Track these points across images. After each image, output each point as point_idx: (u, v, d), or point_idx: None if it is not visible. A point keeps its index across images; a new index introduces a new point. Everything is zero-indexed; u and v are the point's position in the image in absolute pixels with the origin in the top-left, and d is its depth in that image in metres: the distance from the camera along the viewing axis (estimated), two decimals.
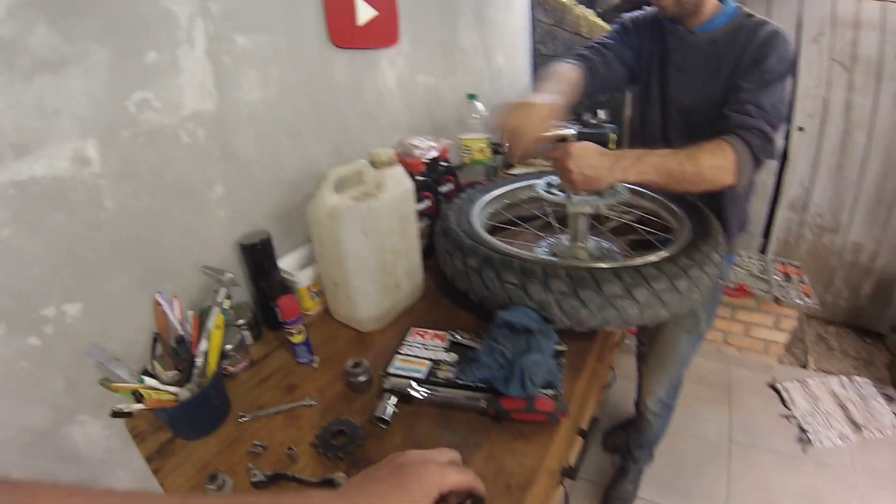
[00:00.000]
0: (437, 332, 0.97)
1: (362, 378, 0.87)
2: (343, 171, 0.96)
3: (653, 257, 0.95)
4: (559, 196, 1.08)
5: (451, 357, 0.90)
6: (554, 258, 1.07)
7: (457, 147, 1.53)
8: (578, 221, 1.14)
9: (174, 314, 0.85)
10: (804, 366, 2.68)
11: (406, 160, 1.19)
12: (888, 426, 2.26)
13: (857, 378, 2.55)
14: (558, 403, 0.78)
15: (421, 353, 0.91)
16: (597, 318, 0.88)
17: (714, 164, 1.01)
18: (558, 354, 0.87)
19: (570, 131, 1.07)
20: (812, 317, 3.05)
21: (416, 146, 1.26)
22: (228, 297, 0.91)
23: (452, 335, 0.96)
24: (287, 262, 1.10)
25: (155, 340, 0.85)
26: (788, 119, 2.77)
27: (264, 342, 1.05)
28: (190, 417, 0.81)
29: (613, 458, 2.10)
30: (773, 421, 2.32)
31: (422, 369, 0.87)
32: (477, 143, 1.51)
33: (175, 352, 0.84)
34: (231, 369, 0.94)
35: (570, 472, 1.01)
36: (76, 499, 0.36)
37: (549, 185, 1.14)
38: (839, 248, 2.91)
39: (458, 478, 0.57)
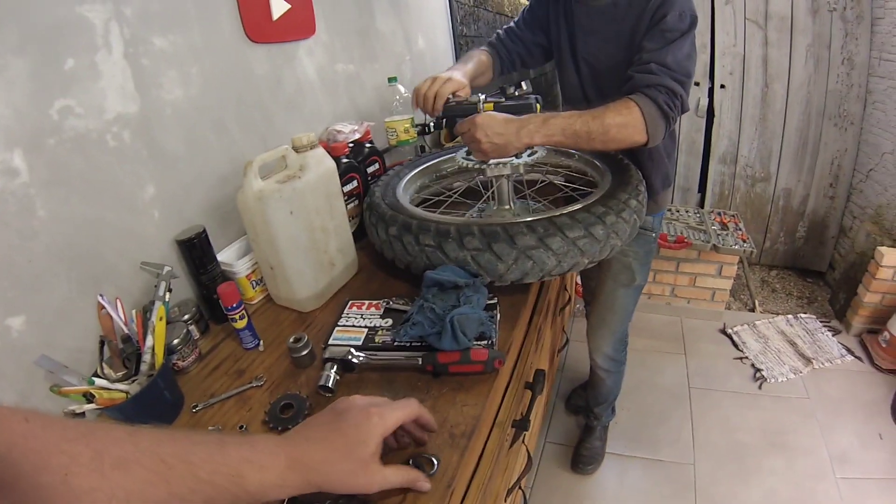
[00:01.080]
0: (373, 301, 1.00)
1: (304, 352, 0.88)
2: (267, 157, 0.97)
3: (569, 209, 0.99)
4: (476, 162, 1.12)
5: (387, 322, 0.93)
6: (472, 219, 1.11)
7: (383, 131, 1.56)
8: (500, 185, 1.18)
9: (118, 315, 0.85)
10: (752, 309, 2.81)
11: (331, 145, 1.21)
12: (836, 356, 2.40)
13: (803, 315, 2.71)
14: (493, 352, 0.80)
15: (358, 323, 0.94)
16: (514, 270, 0.92)
17: (620, 122, 1.04)
18: (490, 307, 0.91)
19: (480, 97, 1.13)
20: (755, 263, 3.20)
21: (339, 131, 1.28)
22: (169, 289, 0.92)
23: (387, 302, 0.98)
24: (226, 255, 1.10)
25: (102, 344, 0.85)
26: (711, 77, 2.89)
27: (212, 335, 1.05)
28: (142, 412, 0.81)
29: (578, 418, 2.15)
30: (727, 364, 2.43)
31: (359, 337, 0.90)
32: (401, 124, 1.53)
33: (123, 351, 0.84)
34: (181, 364, 0.94)
35: (521, 424, 1.05)
36: (33, 424, 0.39)
37: (468, 153, 1.18)
38: (771, 196, 3.05)
39: (399, 414, 0.59)
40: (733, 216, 2.70)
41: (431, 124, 1.72)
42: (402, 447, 0.68)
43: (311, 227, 1.00)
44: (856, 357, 2.40)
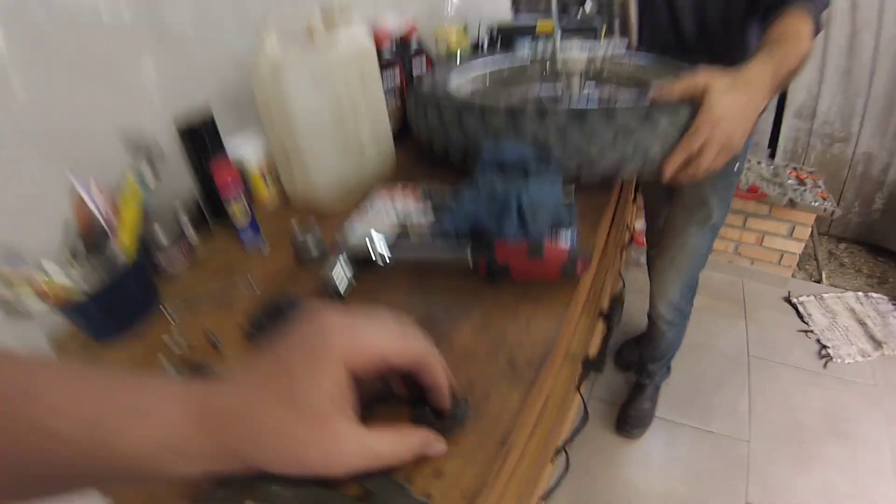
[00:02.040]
0: (409, 185, 0.81)
1: (311, 245, 0.71)
2: (288, 25, 0.79)
3: None
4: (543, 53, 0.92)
5: (426, 211, 0.74)
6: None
7: (431, 40, 1.37)
8: (572, 82, 0.99)
9: (94, 200, 0.70)
10: (818, 281, 2.56)
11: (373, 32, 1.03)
12: None
13: (874, 294, 2.45)
14: (574, 249, 0.58)
15: (387, 215, 0.75)
16: (609, 156, 0.72)
17: (808, 46, 0.85)
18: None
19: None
20: (823, 233, 2.92)
21: (381, 21, 1.10)
22: (155, 172, 0.76)
23: (428, 190, 0.79)
24: (236, 145, 0.94)
25: (70, 235, 0.70)
26: None
27: (213, 241, 0.90)
28: (106, 315, 0.66)
29: (628, 375, 1.98)
30: (790, 335, 2.21)
31: (387, 232, 0.71)
32: (453, 33, 1.35)
33: (93, 243, 0.69)
34: (165, 265, 0.78)
35: (595, 364, 0.86)
36: None
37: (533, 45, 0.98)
38: (849, 159, 2.75)
39: (387, 338, 0.36)
40: (811, 172, 2.43)
41: (486, 42, 1.53)
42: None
43: (338, 102, 0.82)
44: None
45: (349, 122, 0.84)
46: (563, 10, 1.69)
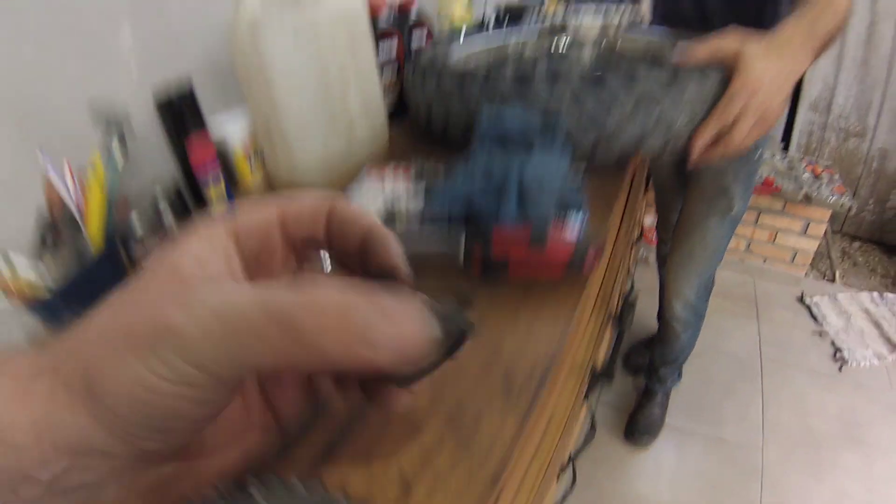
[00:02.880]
0: (401, 165, 0.71)
1: None
2: None
3: None
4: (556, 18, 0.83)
5: (417, 194, 0.64)
6: None
7: (435, 14, 1.27)
8: (583, 55, 0.89)
9: (66, 184, 0.61)
10: (831, 280, 2.47)
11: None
12: None
13: (889, 295, 2.35)
14: (582, 240, 0.48)
15: (374, 200, 0.65)
16: (630, 126, 0.62)
17: (846, 3, 0.76)
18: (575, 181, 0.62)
19: None
20: (836, 231, 2.83)
21: None
22: (122, 141, 0.67)
23: (421, 169, 0.68)
24: (218, 121, 0.85)
25: (41, 224, 0.61)
26: None
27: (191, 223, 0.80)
28: (69, 310, 0.57)
29: (637, 380, 1.89)
30: (805, 337, 2.13)
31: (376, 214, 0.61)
32: (456, 6, 1.25)
33: (63, 233, 0.60)
34: (143, 256, 0.70)
35: (606, 372, 0.76)
36: None
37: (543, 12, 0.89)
38: (865, 155, 2.66)
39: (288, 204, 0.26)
40: (828, 166, 2.34)
41: (491, 21, 1.43)
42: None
43: (323, 65, 0.72)
44: None
45: (336, 92, 0.74)
46: None
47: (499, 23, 1.45)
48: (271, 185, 0.84)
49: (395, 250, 0.26)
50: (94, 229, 0.60)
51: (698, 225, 1.27)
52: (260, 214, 0.24)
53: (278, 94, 0.69)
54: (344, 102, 0.76)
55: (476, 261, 0.50)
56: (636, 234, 1.55)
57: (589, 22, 0.83)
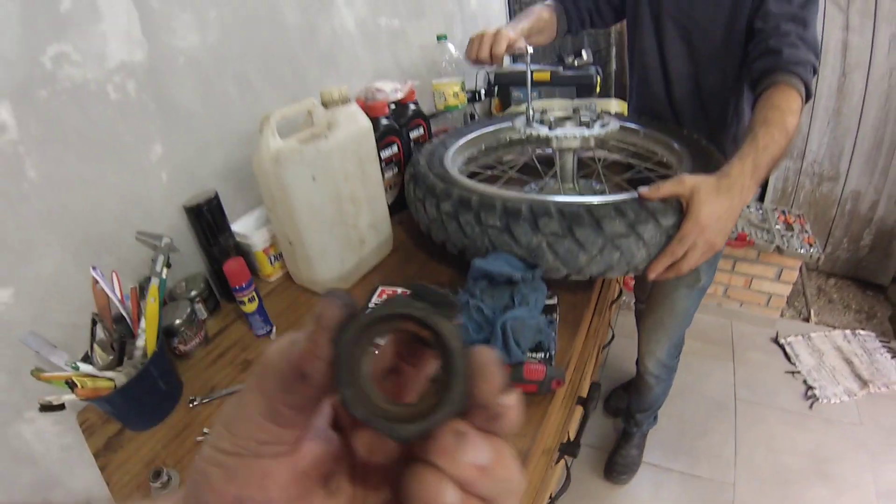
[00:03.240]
0: (408, 290, 0.84)
1: None
2: (289, 111, 0.82)
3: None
4: (541, 129, 0.95)
5: None
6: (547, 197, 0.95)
7: (429, 94, 1.40)
8: (565, 160, 1.02)
9: (113, 291, 0.73)
10: (807, 319, 2.60)
11: (369, 104, 1.06)
12: (895, 381, 2.19)
13: (861, 332, 2.48)
14: (551, 370, 0.64)
15: None
16: (598, 262, 0.76)
17: (796, 122, 0.87)
18: (549, 309, 0.75)
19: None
20: (812, 269, 2.97)
21: (379, 90, 1.12)
22: (168, 264, 0.79)
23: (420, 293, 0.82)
24: (242, 225, 0.97)
25: (94, 322, 0.74)
26: None
27: (221, 315, 0.93)
28: (132, 405, 0.70)
29: (616, 421, 2.00)
30: (778, 377, 2.24)
31: None
32: (451, 87, 1.37)
33: (116, 332, 0.73)
34: (182, 348, 0.82)
35: (570, 449, 0.90)
36: None
37: (529, 120, 1.01)
38: (838, 198, 2.80)
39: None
40: (799, 216, 2.47)
41: (482, 91, 1.57)
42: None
43: (337, 196, 0.85)
44: None
45: (349, 215, 0.88)
46: (560, 59, 1.72)
47: (489, 93, 1.58)
48: (292, 281, 0.97)
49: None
50: (150, 336, 0.73)
51: (668, 296, 1.39)
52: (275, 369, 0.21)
53: (299, 221, 0.82)
54: (355, 222, 0.90)
55: None
56: (615, 294, 1.68)
57: (569, 135, 0.95)
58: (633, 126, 1.14)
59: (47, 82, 0.72)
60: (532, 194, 0.87)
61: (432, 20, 1.61)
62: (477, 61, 1.04)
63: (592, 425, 2.02)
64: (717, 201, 0.77)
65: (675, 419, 2.02)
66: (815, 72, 0.92)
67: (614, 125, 0.98)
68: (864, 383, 2.18)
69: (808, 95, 0.91)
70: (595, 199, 0.77)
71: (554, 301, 0.77)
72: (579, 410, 0.93)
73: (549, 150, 1.10)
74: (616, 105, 1.43)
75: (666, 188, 0.78)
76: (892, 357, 2.33)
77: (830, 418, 2.04)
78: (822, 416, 2.05)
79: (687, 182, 0.78)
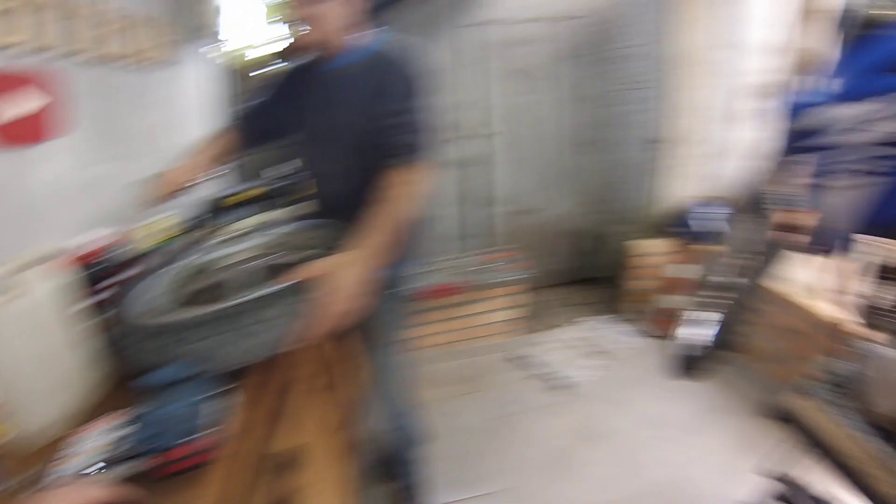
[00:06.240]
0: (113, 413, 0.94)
1: None
2: None
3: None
4: (197, 257, 1.20)
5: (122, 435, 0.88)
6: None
7: (141, 233, 1.51)
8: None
9: None
10: (538, 330, 3.11)
11: (74, 256, 1.17)
12: (622, 347, 2.86)
13: (583, 318, 3.16)
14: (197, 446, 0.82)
15: (95, 443, 0.88)
16: (233, 354, 0.97)
17: (409, 188, 1.20)
18: (213, 397, 0.92)
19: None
20: (535, 288, 3.44)
21: (85, 240, 1.24)
22: None
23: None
24: None
25: None
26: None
27: None
28: None
29: (392, 484, 1.97)
30: (521, 385, 2.65)
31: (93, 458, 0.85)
32: (159, 225, 1.55)
33: None
34: None
35: None
36: None
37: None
38: (539, 224, 3.49)
39: None
40: (505, 250, 2.98)
41: (202, 218, 1.75)
42: None
43: (35, 352, 0.95)
44: (635, 337, 2.94)
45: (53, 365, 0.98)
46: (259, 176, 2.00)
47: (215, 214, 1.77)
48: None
49: None
50: None
51: (368, 356, 1.60)
52: None
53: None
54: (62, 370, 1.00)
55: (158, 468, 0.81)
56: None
57: (230, 253, 1.19)
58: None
59: None
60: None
61: (143, 161, 1.68)
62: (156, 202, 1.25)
63: (379, 496, 1.99)
64: (348, 276, 1.06)
65: (452, 459, 2.17)
66: (422, 145, 1.25)
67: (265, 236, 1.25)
68: (598, 356, 2.78)
69: (423, 160, 1.25)
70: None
71: (222, 388, 0.95)
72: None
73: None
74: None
75: (303, 273, 1.03)
76: (615, 326, 3.06)
77: (582, 394, 2.54)
78: (575, 396, 2.53)
79: (320, 267, 1.06)
